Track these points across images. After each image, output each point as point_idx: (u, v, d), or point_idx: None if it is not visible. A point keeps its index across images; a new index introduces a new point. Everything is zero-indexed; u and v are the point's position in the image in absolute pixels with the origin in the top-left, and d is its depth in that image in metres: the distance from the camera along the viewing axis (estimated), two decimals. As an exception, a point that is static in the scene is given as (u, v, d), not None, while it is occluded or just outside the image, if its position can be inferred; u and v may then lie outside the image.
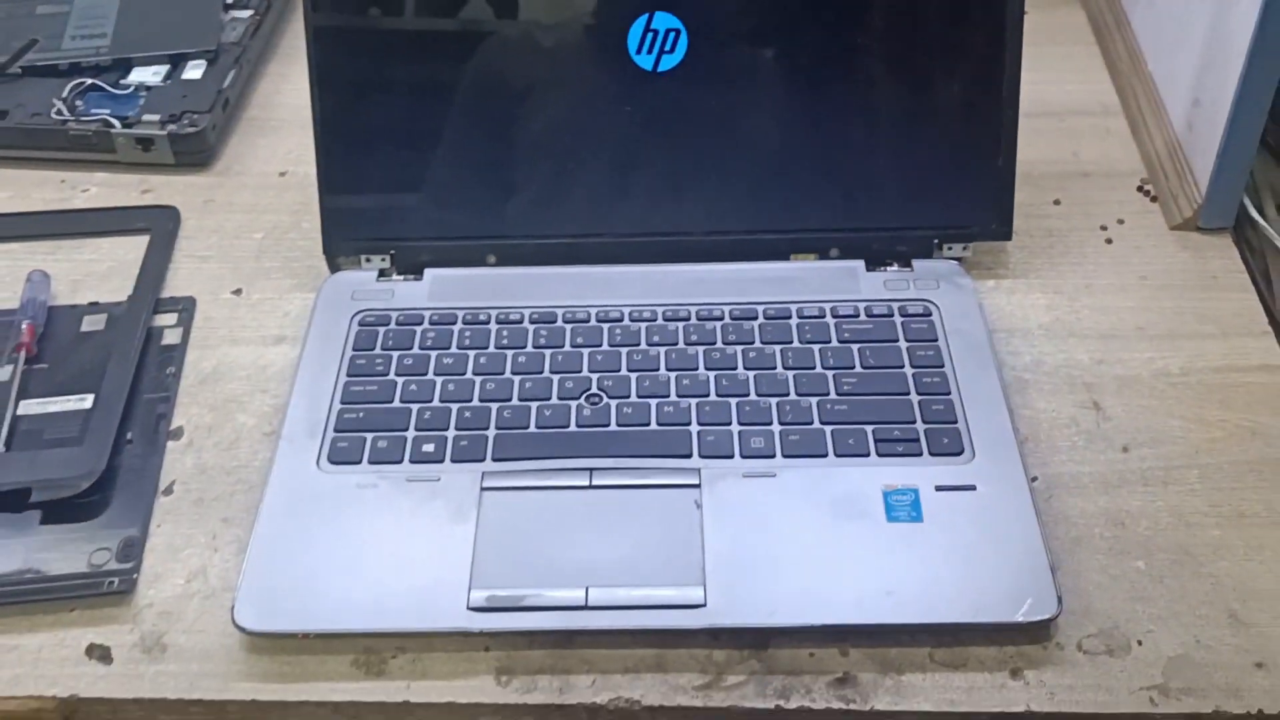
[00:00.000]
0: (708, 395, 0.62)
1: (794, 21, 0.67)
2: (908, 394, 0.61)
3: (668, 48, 0.67)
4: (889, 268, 0.68)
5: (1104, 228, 0.72)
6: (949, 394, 0.61)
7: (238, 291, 0.71)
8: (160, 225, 0.74)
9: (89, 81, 0.81)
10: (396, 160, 0.69)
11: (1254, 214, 0.71)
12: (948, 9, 0.67)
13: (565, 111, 0.68)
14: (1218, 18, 0.69)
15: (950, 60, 0.67)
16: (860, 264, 0.69)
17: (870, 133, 0.68)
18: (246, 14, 0.88)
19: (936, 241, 0.69)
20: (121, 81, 0.81)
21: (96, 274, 0.72)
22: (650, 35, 0.67)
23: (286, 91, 0.85)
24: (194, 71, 0.82)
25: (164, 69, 0.82)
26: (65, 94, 0.80)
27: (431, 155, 0.69)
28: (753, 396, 0.62)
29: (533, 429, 0.61)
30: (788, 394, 0.62)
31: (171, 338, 0.68)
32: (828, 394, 0.61)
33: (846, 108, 0.68)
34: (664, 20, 0.66)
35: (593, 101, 0.68)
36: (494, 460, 0.59)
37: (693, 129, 0.68)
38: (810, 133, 0.68)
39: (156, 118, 0.78)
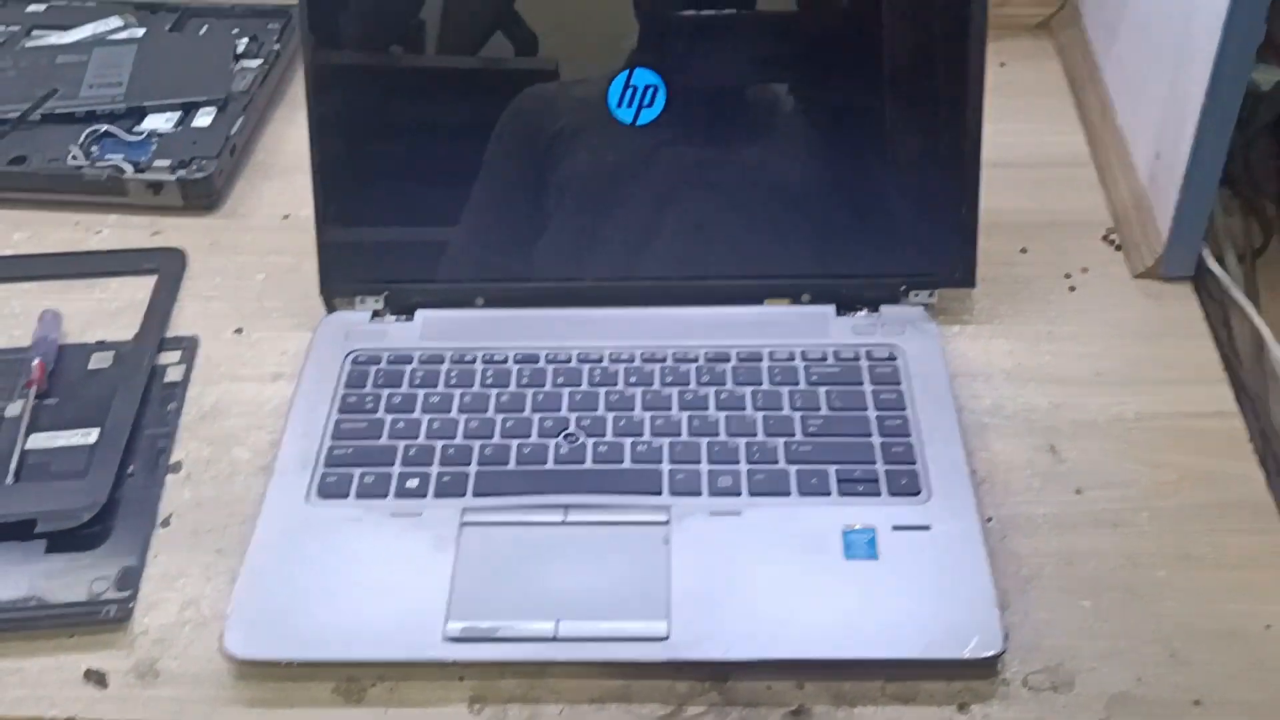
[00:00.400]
0: (680, 435, 0.65)
1: (767, 80, 0.71)
2: (870, 436, 0.64)
3: (647, 102, 0.70)
4: (858, 313, 0.71)
5: (1068, 275, 0.75)
6: (909, 436, 0.64)
7: (239, 330, 0.74)
8: (167, 266, 0.78)
9: (104, 128, 0.85)
10: (390, 206, 0.73)
11: (1212, 264, 0.74)
12: (913, 69, 0.70)
13: (551, 162, 0.72)
14: (1176, 74, 0.72)
15: (915, 117, 0.70)
16: (831, 309, 0.72)
17: (841, 184, 0.71)
18: (256, 63, 0.92)
19: (904, 288, 0.72)
20: (135, 128, 0.85)
21: (106, 313, 0.76)
22: (630, 90, 0.70)
23: (292, 137, 0.89)
24: (204, 119, 0.86)
25: (176, 116, 0.86)
26: (81, 140, 0.84)
27: (424, 202, 0.73)
28: (722, 436, 0.64)
29: (512, 466, 0.64)
30: (756, 434, 0.64)
31: (174, 375, 0.71)
32: (794, 435, 0.64)
33: (818, 160, 0.71)
34: (643, 76, 0.70)
35: (577, 153, 0.72)
36: (474, 496, 0.62)
37: (672, 179, 0.72)
38: (783, 184, 0.72)
39: (167, 163, 0.82)
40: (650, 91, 0.70)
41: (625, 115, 0.70)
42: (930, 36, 0.70)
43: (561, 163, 0.72)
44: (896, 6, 0.69)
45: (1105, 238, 0.78)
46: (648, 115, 0.70)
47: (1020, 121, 0.86)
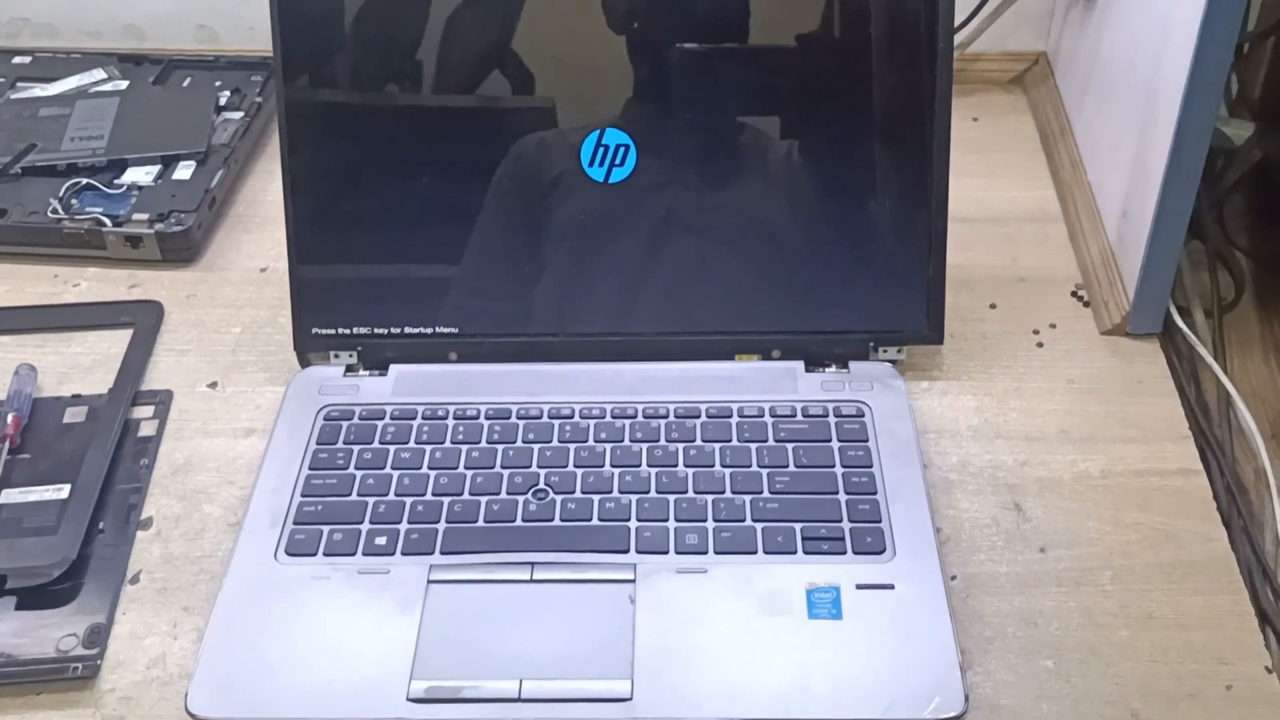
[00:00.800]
0: (648, 492, 0.65)
1: (735, 140, 0.72)
2: (836, 493, 0.65)
3: (618, 161, 0.71)
4: (827, 369, 0.72)
5: (1036, 331, 0.76)
6: (875, 494, 0.64)
7: (213, 384, 0.75)
8: (144, 320, 0.79)
9: (84, 181, 0.86)
10: (364, 262, 0.73)
11: (1179, 321, 0.74)
12: (878, 129, 0.71)
13: (525, 219, 0.73)
14: (1142, 134, 0.73)
15: (883, 175, 0.71)
16: (800, 365, 0.72)
17: (810, 242, 0.72)
18: (238, 115, 0.93)
19: (872, 345, 0.72)
20: (115, 181, 0.86)
21: (81, 366, 0.76)
22: (602, 150, 0.71)
23: (272, 189, 0.90)
24: (184, 171, 0.87)
25: (156, 169, 0.87)
26: (61, 193, 0.85)
27: (398, 258, 0.73)
28: (690, 494, 0.65)
29: (481, 523, 0.64)
30: (723, 491, 0.65)
31: (148, 429, 0.72)
32: (761, 492, 0.65)
33: (788, 218, 0.72)
34: (614, 136, 0.71)
35: (550, 210, 0.72)
36: (442, 553, 0.63)
37: (643, 236, 0.72)
38: (753, 241, 0.72)
39: (145, 217, 0.83)
40: (621, 151, 0.71)
41: (597, 174, 0.71)
42: (896, 97, 0.71)
43: (536, 221, 0.73)
44: (860, 70, 0.70)
45: (1074, 294, 0.79)
46: (619, 174, 0.71)
47: (992, 177, 0.88)
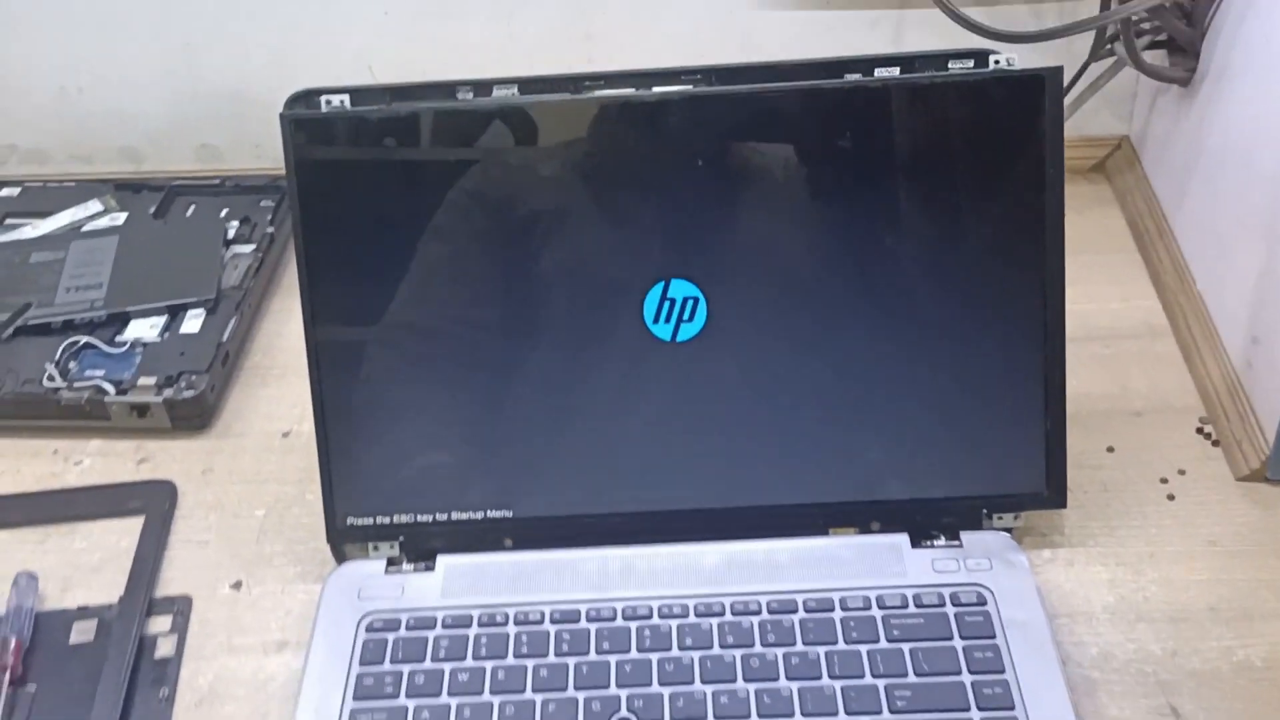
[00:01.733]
0: (748, 717, 0.56)
1: (818, 285, 0.63)
2: (968, 710, 0.56)
3: (686, 316, 0.63)
4: (935, 542, 0.63)
5: (1164, 480, 0.67)
6: (1013, 710, 0.56)
7: (237, 584, 0.66)
8: (155, 505, 0.70)
9: (83, 340, 0.77)
10: (404, 441, 0.65)
11: (1328, 463, 0.66)
12: (980, 265, 0.62)
13: (583, 384, 0.64)
14: (1272, 246, 0.65)
15: (987, 317, 0.63)
16: (904, 538, 0.64)
17: (906, 397, 0.63)
18: (248, 249, 0.85)
19: (985, 511, 0.64)
20: (117, 338, 0.78)
21: (88, 566, 0.67)
22: (668, 304, 0.63)
23: (289, 333, 0.82)
24: (193, 322, 0.79)
25: (162, 321, 0.79)
26: (58, 356, 0.76)
27: (439, 435, 0.65)
28: (798, 718, 0.56)
29: (557, 768, 0.55)
30: (836, 714, 0.56)
31: (165, 647, 0.63)
32: (880, 713, 0.56)
33: (878, 371, 0.63)
34: (681, 288, 0.62)
35: (611, 373, 0.64)
36: (514, 815, 0.54)
37: (718, 399, 0.64)
38: (843, 400, 0.64)
39: (152, 381, 0.75)
40: (690, 304, 0.62)
41: (663, 332, 0.63)
42: (998, 226, 0.62)
43: (596, 386, 0.64)
44: (960, 198, 0.62)
45: (1200, 430, 0.70)
46: (688, 331, 0.63)
47: (1085, 284, 0.77)
